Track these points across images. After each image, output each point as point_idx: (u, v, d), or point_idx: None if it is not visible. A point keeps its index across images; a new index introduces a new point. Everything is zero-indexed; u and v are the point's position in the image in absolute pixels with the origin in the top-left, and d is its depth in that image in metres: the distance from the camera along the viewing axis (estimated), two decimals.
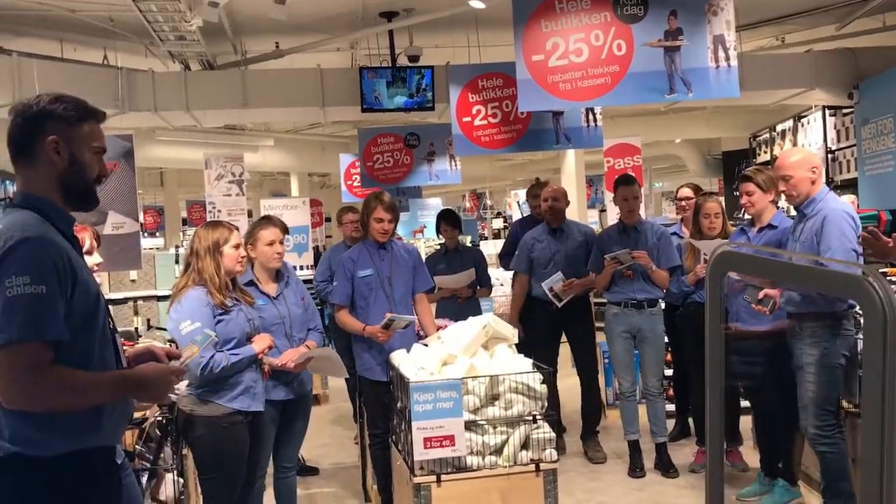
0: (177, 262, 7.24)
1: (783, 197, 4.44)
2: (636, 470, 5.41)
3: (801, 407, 4.02)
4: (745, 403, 5.22)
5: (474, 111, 6.41)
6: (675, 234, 5.82)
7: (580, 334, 5.90)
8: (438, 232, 6.82)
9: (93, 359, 2.06)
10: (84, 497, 2.03)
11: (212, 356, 3.41)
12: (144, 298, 7.30)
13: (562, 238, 5.82)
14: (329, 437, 6.76)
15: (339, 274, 4.62)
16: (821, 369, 3.92)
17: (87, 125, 2.12)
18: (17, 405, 1.92)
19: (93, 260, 2.98)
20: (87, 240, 2.97)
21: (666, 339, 5.73)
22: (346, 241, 6.51)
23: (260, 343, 3.64)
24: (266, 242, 4.09)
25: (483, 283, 6.37)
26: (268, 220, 4.26)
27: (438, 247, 6.45)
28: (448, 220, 6.52)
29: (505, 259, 6.63)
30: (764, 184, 4.64)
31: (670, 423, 6.33)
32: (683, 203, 5.94)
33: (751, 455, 5.21)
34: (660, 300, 5.49)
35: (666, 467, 5.39)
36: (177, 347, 2.90)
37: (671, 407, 6.59)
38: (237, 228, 3.78)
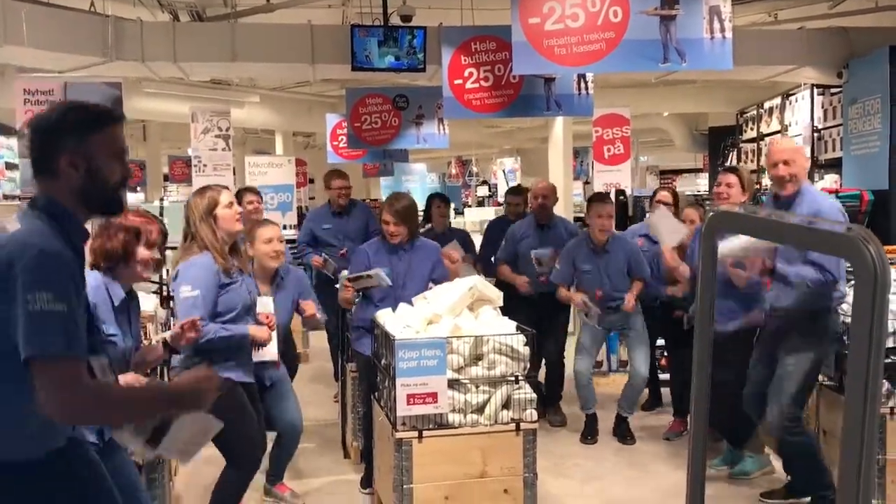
0: (161, 214, 7.17)
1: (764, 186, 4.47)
2: (588, 437, 5.51)
3: (775, 399, 4.04)
4: None
5: (466, 74, 6.37)
6: (644, 235, 5.82)
7: (552, 325, 5.96)
8: (428, 216, 6.76)
9: None
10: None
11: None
12: None
13: (548, 234, 5.93)
14: (309, 396, 6.79)
15: (355, 262, 4.60)
16: (804, 365, 3.97)
17: (100, 133, 2.02)
18: (59, 418, 1.91)
19: (152, 255, 2.98)
20: (154, 232, 2.98)
21: None
22: (332, 207, 6.50)
23: (257, 332, 3.65)
24: (264, 240, 4.13)
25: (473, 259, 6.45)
26: (263, 221, 4.43)
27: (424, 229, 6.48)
28: (442, 199, 6.67)
29: (486, 265, 6.62)
30: (746, 183, 4.66)
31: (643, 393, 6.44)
32: (659, 205, 5.91)
33: None
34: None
35: (623, 435, 5.49)
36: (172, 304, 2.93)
37: None
38: (226, 188, 3.78)
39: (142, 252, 2.95)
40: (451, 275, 4.69)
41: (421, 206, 6.71)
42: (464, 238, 6.62)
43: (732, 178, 4.63)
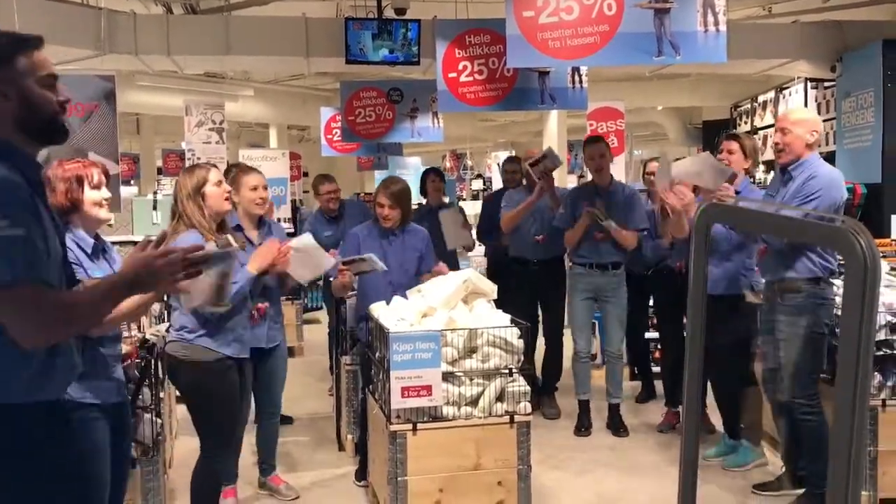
0: (154, 207, 7.18)
1: (760, 166, 4.48)
2: (581, 429, 5.52)
3: (783, 376, 4.03)
4: None
5: (460, 67, 6.36)
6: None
7: (552, 296, 5.97)
8: (423, 191, 6.81)
9: None
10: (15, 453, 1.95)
11: None
12: (122, 243, 7.25)
13: (543, 199, 5.88)
14: (304, 389, 6.81)
15: (347, 246, 4.59)
16: (804, 339, 3.93)
17: (23, 57, 1.97)
18: (35, 342, 1.88)
19: (101, 195, 2.94)
20: (95, 175, 2.93)
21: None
22: (325, 214, 6.51)
23: (258, 260, 3.65)
24: (250, 187, 4.12)
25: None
26: (249, 168, 4.36)
27: (417, 206, 6.51)
28: (437, 173, 6.76)
29: (486, 236, 6.66)
30: (747, 149, 4.66)
31: (636, 386, 6.48)
32: (652, 176, 6.01)
33: (717, 417, 5.33)
34: (623, 263, 5.53)
35: (617, 427, 5.50)
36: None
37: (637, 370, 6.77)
38: (215, 166, 3.76)
39: (91, 195, 2.88)
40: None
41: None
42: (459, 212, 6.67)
43: (734, 145, 4.65)
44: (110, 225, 7.49)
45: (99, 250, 2.94)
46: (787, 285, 3.98)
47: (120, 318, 2.68)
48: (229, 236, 3.65)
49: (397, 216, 4.46)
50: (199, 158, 7.92)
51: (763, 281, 4.30)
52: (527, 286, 5.83)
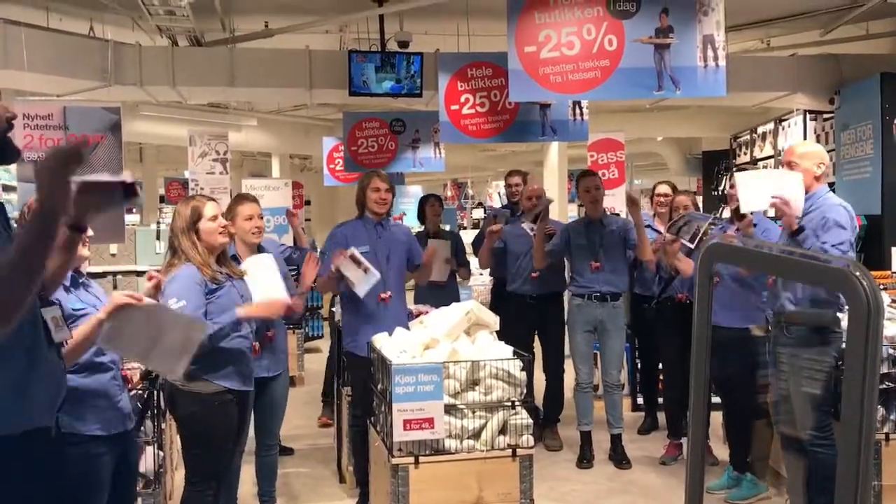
0: (157, 237, 7.20)
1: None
2: (584, 461, 5.50)
3: (794, 408, 3.98)
4: (714, 399, 5.32)
5: (462, 99, 6.44)
6: (648, 226, 5.95)
7: (551, 329, 5.97)
8: (421, 216, 6.83)
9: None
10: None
11: None
12: (124, 273, 7.28)
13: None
14: (304, 419, 6.79)
15: (329, 248, 4.51)
16: (813, 371, 3.89)
17: None
18: None
19: (87, 233, 2.92)
20: None
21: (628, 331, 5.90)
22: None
23: (251, 310, 3.65)
24: (244, 217, 4.13)
25: (461, 263, 6.46)
26: (244, 197, 4.38)
27: (416, 234, 6.52)
28: (436, 198, 6.74)
29: (477, 245, 6.70)
30: None
31: (640, 417, 6.46)
32: (661, 198, 6.08)
33: (720, 449, 5.31)
34: (622, 294, 5.59)
35: (619, 459, 5.48)
36: None
37: (639, 400, 6.75)
38: (213, 199, 3.72)
39: None
40: (426, 267, 4.75)
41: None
42: (456, 240, 6.65)
43: None
44: (113, 255, 7.55)
45: (79, 283, 2.93)
46: (795, 317, 3.99)
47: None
48: (224, 268, 3.65)
49: (391, 200, 4.55)
50: (202, 189, 7.95)
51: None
52: (524, 318, 5.83)
